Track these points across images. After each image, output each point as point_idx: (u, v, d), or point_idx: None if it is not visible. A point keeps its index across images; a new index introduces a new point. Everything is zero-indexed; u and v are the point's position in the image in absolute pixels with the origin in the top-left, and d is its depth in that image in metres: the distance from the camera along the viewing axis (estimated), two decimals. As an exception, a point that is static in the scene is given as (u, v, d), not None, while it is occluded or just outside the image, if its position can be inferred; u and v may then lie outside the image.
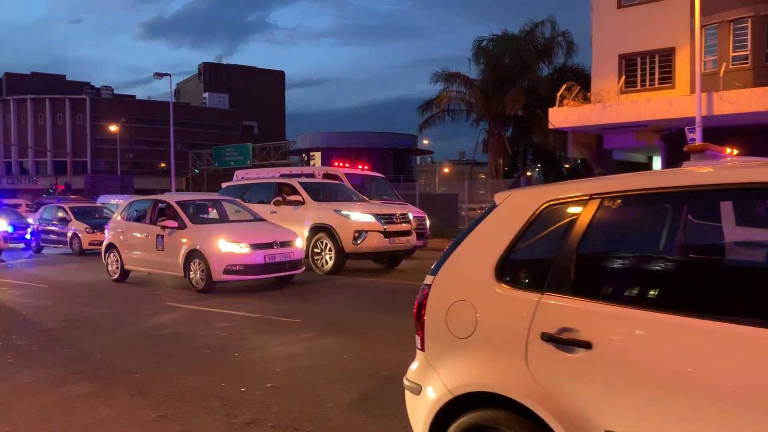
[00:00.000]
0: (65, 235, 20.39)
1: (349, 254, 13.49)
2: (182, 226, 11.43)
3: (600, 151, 23.66)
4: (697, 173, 2.50)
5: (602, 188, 2.61)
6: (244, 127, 78.30)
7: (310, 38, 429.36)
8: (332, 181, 16.32)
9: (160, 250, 11.73)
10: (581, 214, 2.57)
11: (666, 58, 21.61)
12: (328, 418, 4.64)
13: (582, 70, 28.66)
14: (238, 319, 8.59)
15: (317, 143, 45.60)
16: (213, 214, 12.87)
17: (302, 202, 14.07)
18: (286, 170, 20.90)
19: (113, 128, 56.39)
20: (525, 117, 29.94)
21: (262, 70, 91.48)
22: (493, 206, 2.94)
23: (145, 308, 9.74)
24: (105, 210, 23.04)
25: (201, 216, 12.52)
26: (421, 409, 2.87)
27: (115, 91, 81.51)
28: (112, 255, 12.89)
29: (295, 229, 12.72)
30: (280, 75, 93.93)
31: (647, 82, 22.09)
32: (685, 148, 2.96)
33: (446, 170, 68.60)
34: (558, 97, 21.75)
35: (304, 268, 12.13)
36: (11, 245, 20.36)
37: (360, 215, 13.51)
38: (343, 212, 13.56)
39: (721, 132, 16.69)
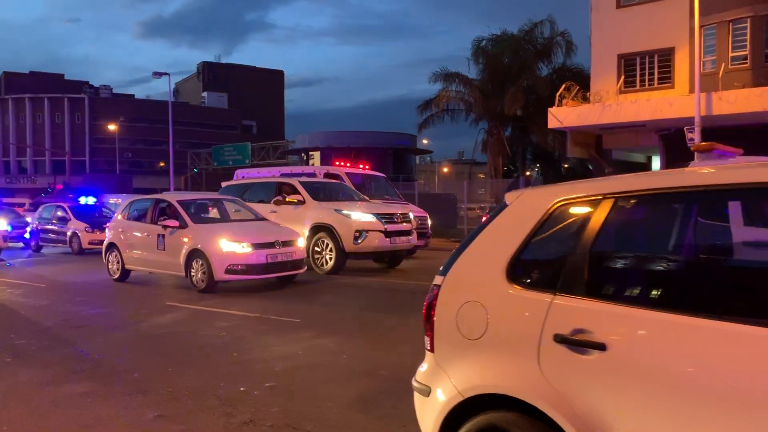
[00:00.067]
0: (64, 234, 20.36)
1: (350, 254, 13.47)
2: (183, 226, 11.39)
3: (599, 151, 23.68)
4: (716, 172, 2.46)
5: (616, 188, 2.57)
6: (242, 126, 78.26)
7: (309, 38, 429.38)
8: (333, 181, 16.30)
9: (161, 250, 11.69)
10: (594, 213, 2.53)
11: (665, 58, 21.63)
12: (326, 417, 4.63)
13: (581, 70, 28.65)
14: (237, 319, 8.58)
15: (316, 143, 45.57)
16: (214, 213, 12.82)
17: (302, 202, 14.05)
18: (287, 169, 20.86)
19: (112, 127, 56.35)
20: (524, 117, 29.93)
21: (261, 69, 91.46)
22: (504, 206, 2.90)
23: (143, 307, 9.73)
24: (104, 209, 23.03)
25: (202, 215, 12.47)
26: (430, 411, 2.82)
27: (114, 91, 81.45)
28: (112, 254, 12.85)
29: (296, 228, 12.70)
30: (279, 74, 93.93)
31: (646, 82, 22.10)
32: (692, 148, 2.93)
33: (445, 170, 68.61)
34: (557, 97, 21.76)
35: (306, 268, 12.10)
36: (10, 244, 20.33)
37: (361, 215, 13.49)
38: (344, 212, 13.54)
39: (720, 132, 16.68)
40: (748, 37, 19.10)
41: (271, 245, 11.10)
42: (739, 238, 2.74)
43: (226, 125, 76.14)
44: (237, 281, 11.25)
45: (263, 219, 12.63)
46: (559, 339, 2.39)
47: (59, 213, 21.14)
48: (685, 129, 17.52)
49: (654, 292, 2.46)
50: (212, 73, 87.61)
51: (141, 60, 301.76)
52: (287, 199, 14.17)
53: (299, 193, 14.23)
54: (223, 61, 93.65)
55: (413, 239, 14.36)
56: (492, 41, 30.58)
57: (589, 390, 2.30)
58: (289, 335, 7.46)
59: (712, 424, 2.04)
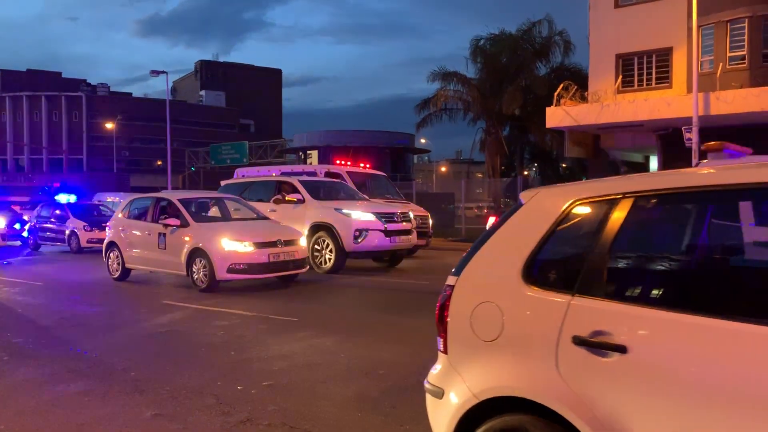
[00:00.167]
0: (63, 232, 20.31)
1: (350, 253, 13.44)
2: (185, 224, 11.33)
3: (597, 151, 23.69)
4: (740, 171, 2.40)
5: (635, 187, 2.53)
6: (240, 125, 78.17)
7: (306, 36, 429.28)
8: (332, 180, 16.26)
9: (162, 249, 11.62)
10: (613, 213, 2.48)
11: (663, 57, 21.64)
12: (324, 416, 4.63)
13: (579, 70, 28.64)
14: (235, 318, 8.57)
15: (314, 141, 45.54)
16: (215, 212, 12.76)
17: (302, 201, 14.02)
18: (287, 168, 20.79)
19: (109, 126, 56.23)
20: (522, 116, 29.91)
21: (258, 68, 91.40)
22: (519, 205, 2.85)
23: (142, 306, 9.72)
24: (103, 207, 22.97)
25: (204, 214, 12.41)
26: (444, 413, 2.77)
27: (112, 89, 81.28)
28: (113, 253, 12.77)
29: (295, 227, 12.67)
30: (277, 73, 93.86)
31: (644, 82, 22.11)
32: (702, 147, 2.89)
33: (443, 169, 68.63)
34: (555, 97, 21.75)
35: (308, 267, 12.06)
36: (9, 243, 20.25)
37: (361, 214, 13.46)
38: (344, 211, 13.51)
39: (718, 132, 16.69)
40: (745, 37, 19.11)
41: (273, 244, 11.04)
42: (766, 238, 2.67)
43: (224, 124, 76.06)
44: (237, 281, 11.20)
45: (265, 218, 12.58)
46: (578, 341, 2.35)
47: (58, 211, 21.08)
48: (682, 129, 17.54)
49: (675, 294, 2.41)
50: (210, 72, 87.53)
51: (139, 58, 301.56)
52: (287, 198, 14.13)
53: (299, 192, 14.20)
54: (221, 59, 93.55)
55: (413, 238, 14.34)
56: (490, 41, 30.56)
57: (608, 393, 2.26)
58: (287, 334, 7.46)
59: (738, 429, 2.00)
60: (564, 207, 2.63)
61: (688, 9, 18.35)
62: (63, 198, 23.27)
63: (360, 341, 7.12)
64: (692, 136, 17.23)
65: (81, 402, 5.01)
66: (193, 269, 10.96)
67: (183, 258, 11.09)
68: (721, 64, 19.17)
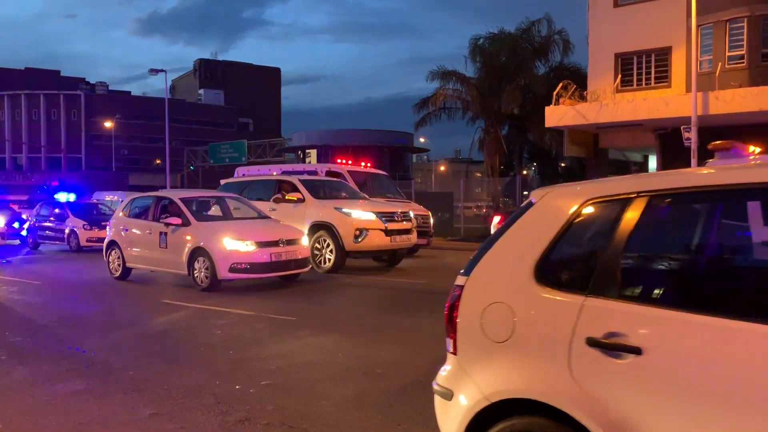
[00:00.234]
0: (62, 231, 20.26)
1: (350, 252, 13.41)
2: (186, 224, 11.27)
3: (596, 150, 23.70)
4: (758, 170, 2.37)
5: (650, 186, 2.50)
6: (239, 123, 78.15)
7: (305, 35, 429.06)
8: (332, 179, 16.23)
9: (163, 248, 11.55)
10: (627, 212, 2.45)
11: (662, 57, 21.65)
12: (322, 415, 4.62)
13: (578, 69, 28.63)
14: (233, 317, 8.56)
15: (313, 140, 45.53)
16: (217, 211, 12.69)
17: (302, 200, 13.99)
18: (288, 167, 20.74)
19: (108, 124, 56.17)
20: (521, 115, 29.89)
21: (257, 66, 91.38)
22: (529, 204, 2.81)
23: (140, 306, 9.71)
24: (102, 206, 22.94)
25: (205, 213, 12.34)
26: (453, 415, 2.73)
27: (110, 87, 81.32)
28: (113, 252, 12.71)
29: (295, 226, 12.63)
30: (275, 72, 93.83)
31: (643, 81, 22.12)
32: (709, 146, 2.85)
33: (442, 168, 68.59)
34: (554, 96, 21.74)
35: (310, 267, 12.02)
36: (8, 241, 20.22)
37: (361, 213, 13.43)
38: (344, 210, 13.48)
39: (717, 131, 16.69)
40: (744, 36, 19.13)
41: (275, 244, 10.99)
42: None
43: (223, 123, 76.05)
44: (237, 280, 11.14)
45: (267, 217, 12.51)
46: (592, 342, 2.32)
47: (57, 210, 21.05)
48: (681, 128, 17.55)
49: (691, 295, 2.37)
50: (209, 71, 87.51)
51: (137, 57, 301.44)
52: (287, 197, 14.09)
53: (299, 191, 14.16)
54: (220, 58, 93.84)
55: (414, 238, 14.31)
56: (489, 40, 30.53)
57: (623, 395, 2.23)
58: (286, 334, 7.45)
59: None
60: (576, 206, 2.60)
61: (687, 8, 18.36)
62: (63, 197, 23.17)
63: (359, 341, 7.12)
64: (691, 136, 17.24)
65: (79, 401, 5.00)
66: (195, 268, 10.91)
67: (184, 257, 11.04)
68: (720, 64, 19.19)
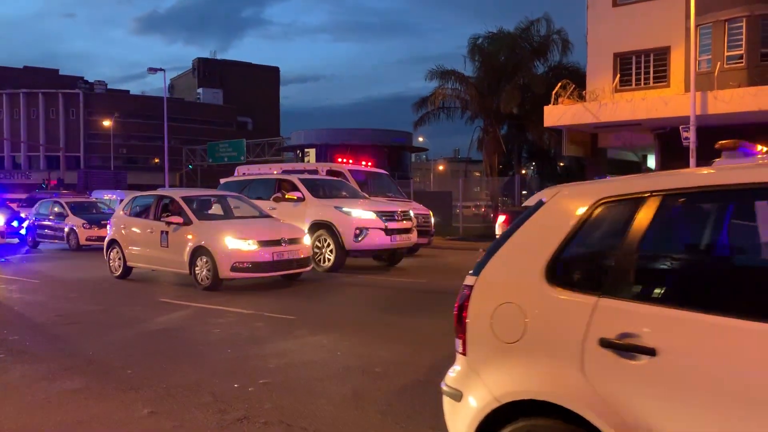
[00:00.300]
0: (62, 230, 20.21)
1: (350, 252, 13.40)
2: (188, 222, 11.23)
3: (595, 150, 23.71)
4: None
5: (663, 185, 2.48)
6: (238, 123, 78.10)
7: (304, 34, 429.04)
8: (332, 178, 16.20)
9: (164, 247, 11.50)
10: (641, 212, 2.42)
11: (661, 57, 21.65)
12: (321, 414, 4.62)
13: (577, 69, 28.61)
14: (232, 316, 8.56)
15: (311, 140, 45.48)
16: (218, 210, 12.62)
17: (302, 199, 13.96)
18: (288, 166, 20.69)
19: (106, 123, 56.08)
20: (520, 115, 29.87)
21: (256, 65, 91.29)
22: (540, 203, 2.77)
23: (139, 305, 9.70)
24: (101, 205, 22.90)
25: (206, 212, 12.28)
26: (462, 417, 2.70)
27: (109, 86, 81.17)
28: (114, 251, 12.66)
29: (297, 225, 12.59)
30: (274, 71, 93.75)
31: (642, 81, 22.12)
32: (717, 145, 2.82)
33: (441, 168, 68.62)
34: (553, 95, 21.74)
35: (311, 266, 11.99)
36: (7, 240, 20.18)
37: (361, 212, 13.42)
38: (344, 209, 13.46)
39: (715, 131, 16.71)
40: (743, 36, 19.14)
41: (277, 243, 10.95)
42: None
43: (222, 122, 76.01)
44: (238, 279, 11.06)
45: (268, 216, 12.46)
46: (605, 343, 2.29)
47: (56, 209, 21.00)
48: (680, 128, 17.55)
49: (707, 295, 2.34)
50: (208, 70, 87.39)
51: (136, 56, 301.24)
52: (286, 196, 14.07)
53: (299, 190, 14.14)
54: (219, 57, 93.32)
55: (414, 237, 14.29)
56: (488, 39, 30.50)
57: (637, 397, 2.21)
58: (284, 332, 7.45)
59: None
60: (588, 206, 2.57)
61: (686, 8, 18.37)
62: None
63: (358, 340, 7.11)
64: (690, 135, 17.25)
65: (77, 400, 5.00)
66: (196, 268, 10.85)
67: (186, 256, 10.99)
68: (718, 64, 19.19)
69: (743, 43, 19.14)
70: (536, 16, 30.59)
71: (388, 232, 13.44)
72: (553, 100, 21.70)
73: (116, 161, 61.95)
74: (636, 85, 22.13)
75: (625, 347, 2.25)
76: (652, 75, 21.91)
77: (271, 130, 70.96)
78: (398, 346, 6.73)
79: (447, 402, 2.83)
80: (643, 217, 2.41)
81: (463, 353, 2.78)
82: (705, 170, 2.52)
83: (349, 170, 17.55)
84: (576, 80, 23.21)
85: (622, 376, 2.26)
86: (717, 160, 2.82)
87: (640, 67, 22.12)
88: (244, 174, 19.31)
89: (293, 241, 11.28)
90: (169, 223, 11.40)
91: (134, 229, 12.45)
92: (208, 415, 4.62)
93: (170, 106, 42.36)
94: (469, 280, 2.81)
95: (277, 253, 10.87)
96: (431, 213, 17.70)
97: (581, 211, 2.58)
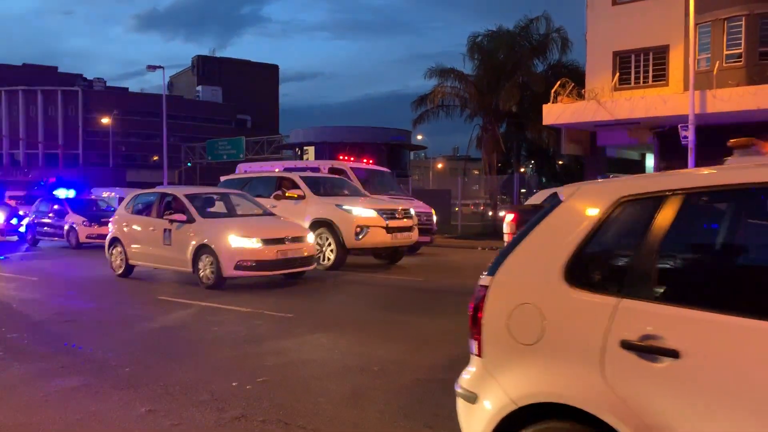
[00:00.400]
0: (62, 228, 20.15)
1: (350, 249, 13.38)
2: (191, 220, 11.15)
3: (593, 148, 23.72)
4: None
5: (685, 183, 2.44)
6: (237, 120, 78.04)
7: (303, 32, 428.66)
8: (333, 176, 16.15)
9: (167, 245, 11.39)
10: (662, 211, 2.37)
11: (660, 55, 21.65)
12: (318, 412, 4.62)
13: (576, 67, 28.59)
14: (230, 314, 8.56)
15: (310, 138, 45.45)
16: (221, 207, 12.53)
17: (303, 197, 13.92)
18: (290, 164, 20.63)
19: (105, 121, 56.01)
20: (519, 113, 29.85)
21: (255, 63, 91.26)
22: (558, 202, 2.72)
23: (138, 303, 9.70)
24: (100, 202, 22.86)
25: (210, 210, 12.17)
26: (478, 419, 2.65)
27: (108, 84, 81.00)
28: (116, 249, 12.56)
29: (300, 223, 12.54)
30: (273, 69, 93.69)
31: (641, 80, 22.12)
32: (729, 143, 2.80)
33: (440, 166, 68.68)
34: (552, 94, 21.74)
35: (315, 264, 11.95)
36: (7, 238, 20.14)
37: (362, 210, 13.40)
38: (345, 207, 13.44)
39: (714, 130, 16.72)
40: (742, 35, 19.14)
41: (281, 241, 10.88)
42: None
43: (221, 119, 75.93)
44: (239, 278, 10.99)
45: (271, 214, 12.40)
46: (627, 345, 2.25)
47: (56, 206, 20.96)
48: (679, 127, 17.55)
49: (731, 296, 2.28)
50: (207, 67, 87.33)
51: (135, 53, 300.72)
52: (287, 194, 14.03)
53: (299, 188, 14.11)
54: (218, 55, 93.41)
55: (415, 235, 14.27)
56: (487, 37, 30.47)
57: (659, 400, 2.17)
58: (283, 331, 7.45)
59: None
60: (608, 204, 2.51)
61: (686, 7, 18.35)
62: (62, 193, 22.99)
63: (356, 338, 7.12)
64: (689, 134, 17.25)
65: (75, 397, 5.00)
66: (200, 266, 10.76)
67: (189, 254, 10.88)
68: (717, 62, 19.19)
69: (742, 41, 19.14)
70: (536, 14, 30.44)
71: (389, 230, 13.42)
72: (552, 98, 21.69)
73: (115, 159, 61.99)
74: (635, 83, 22.13)
75: (648, 349, 2.21)
76: (651, 74, 21.91)
77: (270, 128, 70.88)
78: (397, 344, 6.74)
79: (461, 404, 2.78)
80: (665, 215, 2.37)
81: (479, 355, 2.72)
82: (726, 168, 2.48)
83: (351, 168, 17.50)
84: (575, 79, 23.20)
85: (643, 379, 2.22)
86: (728, 158, 2.79)
87: (639, 65, 22.12)
88: (245, 171, 19.24)
89: (297, 239, 11.22)
90: (172, 221, 11.32)
91: (136, 227, 12.35)
92: (206, 413, 4.62)
93: (169, 104, 42.31)
94: (484, 280, 2.76)
95: (281, 251, 10.81)
96: (433, 211, 17.65)
97: (601, 210, 2.52)
